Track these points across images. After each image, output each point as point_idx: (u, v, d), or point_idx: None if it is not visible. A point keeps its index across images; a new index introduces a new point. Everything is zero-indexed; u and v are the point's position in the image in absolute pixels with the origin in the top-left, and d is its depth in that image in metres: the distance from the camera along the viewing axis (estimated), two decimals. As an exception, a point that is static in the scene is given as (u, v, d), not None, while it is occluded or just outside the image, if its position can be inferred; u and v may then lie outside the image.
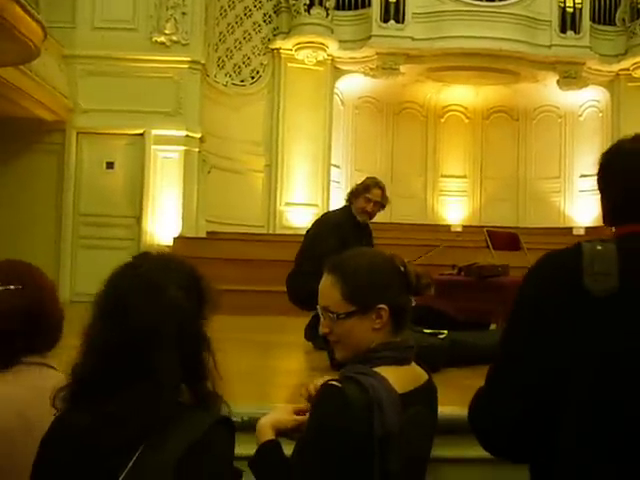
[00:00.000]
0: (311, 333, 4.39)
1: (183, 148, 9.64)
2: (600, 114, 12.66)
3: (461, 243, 9.45)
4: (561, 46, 11.67)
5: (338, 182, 11.88)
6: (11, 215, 9.08)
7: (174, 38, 9.60)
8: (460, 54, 11.42)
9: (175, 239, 9.29)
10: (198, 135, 9.82)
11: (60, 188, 9.47)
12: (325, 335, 1.64)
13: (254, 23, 11.64)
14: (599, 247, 1.25)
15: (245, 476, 1.41)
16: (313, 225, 4.79)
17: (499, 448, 1.36)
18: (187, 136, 9.64)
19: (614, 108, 12.24)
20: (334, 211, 4.78)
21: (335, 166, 12.23)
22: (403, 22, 11.35)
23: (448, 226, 12.77)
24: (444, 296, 4.25)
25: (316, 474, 1.45)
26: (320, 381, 1.58)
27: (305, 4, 11.16)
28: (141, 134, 9.53)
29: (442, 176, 13.55)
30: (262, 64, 11.63)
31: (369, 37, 11.43)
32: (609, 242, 1.27)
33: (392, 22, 11.30)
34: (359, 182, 4.70)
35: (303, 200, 11.51)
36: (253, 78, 11.57)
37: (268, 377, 3.57)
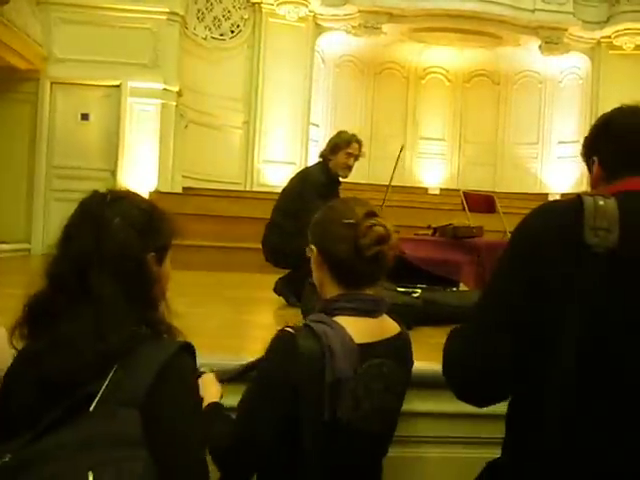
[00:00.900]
0: (285, 289, 4.40)
1: (160, 101, 9.48)
2: (580, 81, 12.66)
3: (438, 205, 9.49)
4: (544, 11, 11.62)
5: (317, 141, 11.79)
6: (-18, 165, 8.92)
7: (152, -13, 9.37)
8: (443, 15, 11.31)
9: (151, 193, 9.19)
10: (176, 89, 9.65)
11: (33, 139, 9.27)
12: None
13: (235, -25, 11.40)
14: (601, 202, 1.23)
15: None
16: (292, 182, 4.73)
17: (482, 389, 1.34)
18: (164, 89, 9.47)
19: (594, 76, 12.24)
20: (313, 168, 4.71)
21: (314, 125, 12.14)
22: (387, -20, 11.19)
23: (425, 189, 12.78)
24: (418, 253, 4.27)
25: (254, 416, 1.49)
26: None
27: (287, -42, 10.94)
28: (117, 86, 9.34)
29: (421, 138, 13.53)
30: (243, 18, 11.39)
31: (352, -6, 11.26)
32: (609, 198, 1.25)
33: (376, -21, 11.15)
34: (335, 135, 4.63)
35: (281, 158, 11.41)
36: (233, 32, 11.33)
37: (242, 331, 3.58)
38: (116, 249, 1.27)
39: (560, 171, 12.58)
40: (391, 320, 1.67)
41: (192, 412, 1.26)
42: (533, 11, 11.61)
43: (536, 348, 1.25)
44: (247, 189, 11.05)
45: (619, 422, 1.20)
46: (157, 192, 9.22)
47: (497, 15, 11.34)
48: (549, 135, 13.03)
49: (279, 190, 4.92)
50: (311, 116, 11.95)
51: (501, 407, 1.40)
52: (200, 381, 1.54)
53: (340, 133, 4.64)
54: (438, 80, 13.52)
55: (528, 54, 12.48)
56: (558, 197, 11.95)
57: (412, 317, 3.06)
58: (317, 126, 12.26)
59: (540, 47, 11.97)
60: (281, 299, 4.42)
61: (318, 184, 4.40)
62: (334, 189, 4.50)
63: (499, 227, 5.17)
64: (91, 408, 1.14)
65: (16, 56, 8.65)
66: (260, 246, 4.64)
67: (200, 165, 10.52)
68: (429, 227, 4.90)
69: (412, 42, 12.49)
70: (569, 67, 12.75)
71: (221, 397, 1.69)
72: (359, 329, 1.54)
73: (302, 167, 10.58)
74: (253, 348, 3.04)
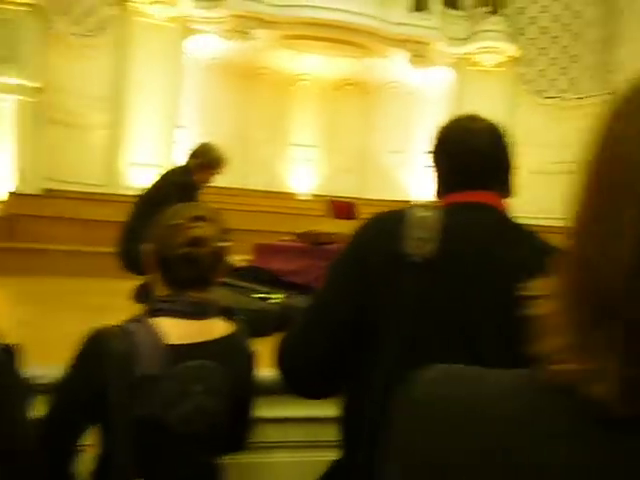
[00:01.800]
0: (144, 296, 4.29)
1: (17, 97, 8.99)
2: (446, 93, 13.24)
3: (307, 211, 9.62)
4: (410, 25, 12.08)
5: (183, 143, 11.59)
6: None
7: (11, -23, 8.89)
8: (312, 24, 11.48)
9: (11, 194, 8.70)
10: (35, 85, 9.19)
11: None
12: None
13: (101, -29, 11.00)
14: (423, 214, 1.31)
15: None
16: (154, 188, 4.55)
17: (308, 384, 1.43)
18: (22, 85, 8.99)
19: (458, 89, 12.81)
20: (175, 173, 4.59)
21: (182, 127, 11.94)
22: (259, -15, 11.22)
23: (295, 194, 12.92)
24: (278, 259, 4.31)
25: (57, 410, 1.52)
26: None
27: (157, -43, 10.72)
28: (-30, 79, 8.79)
29: (292, 144, 13.65)
30: (110, 15, 11.03)
31: (224, -3, 11.19)
32: (435, 210, 1.33)
33: (248, -16, 11.15)
34: (205, 150, 4.51)
35: (147, 160, 11.11)
36: (100, 29, 10.94)
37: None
38: None
39: (426, 180, 13.07)
40: (223, 323, 1.67)
41: None
42: (399, 25, 12.03)
43: (358, 348, 1.32)
44: (112, 192, 10.69)
45: None
46: (16, 194, 8.75)
47: (365, 26, 11.65)
48: (415, 144, 13.51)
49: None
50: (179, 118, 11.76)
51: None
52: None
53: (211, 150, 4.50)
54: (309, 87, 13.71)
55: (396, 65, 12.89)
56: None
57: (268, 323, 3.08)
58: (185, 129, 12.06)
59: (410, 59, 12.42)
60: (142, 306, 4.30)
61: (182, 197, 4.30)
62: (195, 194, 4.43)
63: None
64: None
65: None
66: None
67: (62, 166, 10.05)
68: (294, 234, 4.96)
69: (283, 49, 12.58)
70: (436, 80, 13.27)
71: None
72: (178, 330, 1.56)
73: (168, 169, 10.39)
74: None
